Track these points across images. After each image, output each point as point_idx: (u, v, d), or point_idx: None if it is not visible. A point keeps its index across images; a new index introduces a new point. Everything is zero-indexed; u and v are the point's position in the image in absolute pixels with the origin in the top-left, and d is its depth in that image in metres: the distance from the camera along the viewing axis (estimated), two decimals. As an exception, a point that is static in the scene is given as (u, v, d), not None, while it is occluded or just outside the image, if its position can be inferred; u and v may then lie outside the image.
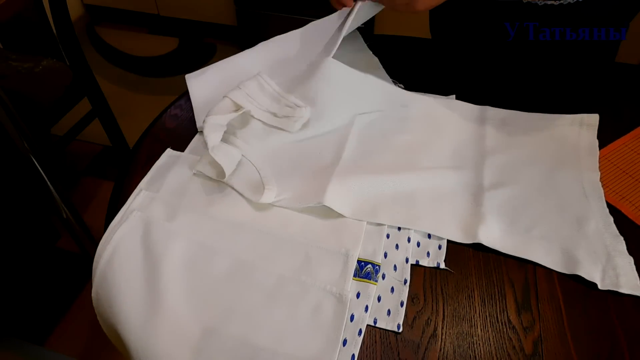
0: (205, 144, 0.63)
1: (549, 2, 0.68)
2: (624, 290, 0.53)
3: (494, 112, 0.74)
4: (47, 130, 1.32)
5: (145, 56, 2.29)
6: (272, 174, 0.65)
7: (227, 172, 0.62)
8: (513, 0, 0.69)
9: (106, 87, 1.69)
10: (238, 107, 0.69)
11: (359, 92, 0.77)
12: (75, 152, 1.77)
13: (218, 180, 0.64)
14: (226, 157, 0.63)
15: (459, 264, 0.56)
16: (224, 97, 0.69)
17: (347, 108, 0.74)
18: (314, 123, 0.71)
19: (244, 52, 0.86)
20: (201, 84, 0.80)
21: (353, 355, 0.48)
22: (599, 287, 0.53)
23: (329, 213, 0.59)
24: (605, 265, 0.55)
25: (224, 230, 0.58)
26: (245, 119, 0.71)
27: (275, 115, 0.72)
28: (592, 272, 0.54)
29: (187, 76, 0.81)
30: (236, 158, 0.65)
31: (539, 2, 0.68)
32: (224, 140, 0.67)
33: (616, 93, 0.78)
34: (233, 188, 0.63)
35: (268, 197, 0.61)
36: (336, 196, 0.60)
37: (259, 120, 0.71)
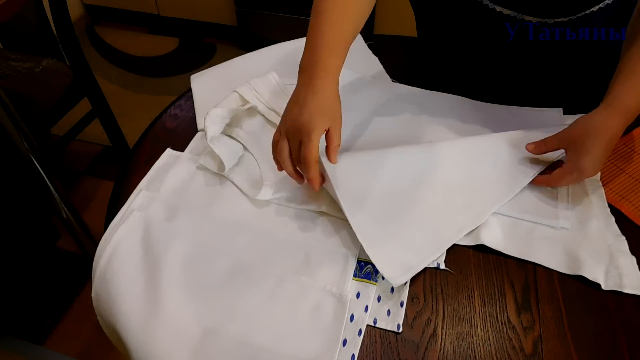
0: (205, 142, 0.63)
1: (559, 20, 0.67)
2: (628, 290, 0.52)
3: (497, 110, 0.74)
4: (47, 130, 1.32)
5: (145, 56, 2.28)
6: (272, 169, 0.65)
7: (227, 164, 0.62)
8: (522, 19, 0.68)
9: (106, 87, 1.69)
10: (245, 102, 0.69)
11: (359, 94, 0.77)
12: (75, 152, 1.77)
13: (219, 174, 0.64)
14: (226, 149, 0.63)
15: (459, 264, 0.56)
16: (232, 91, 0.70)
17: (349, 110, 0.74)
18: None
19: (248, 54, 0.86)
20: (204, 85, 0.80)
21: (353, 355, 0.48)
22: (603, 287, 0.53)
23: (329, 213, 0.59)
24: (609, 265, 0.54)
25: (224, 230, 0.58)
26: (253, 114, 0.71)
27: (279, 115, 0.72)
28: (596, 273, 0.53)
29: (193, 76, 0.81)
30: (237, 152, 0.65)
31: (549, 21, 0.68)
32: (229, 133, 0.67)
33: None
34: (232, 182, 0.63)
35: (265, 193, 0.61)
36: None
37: (264, 116, 0.71)
